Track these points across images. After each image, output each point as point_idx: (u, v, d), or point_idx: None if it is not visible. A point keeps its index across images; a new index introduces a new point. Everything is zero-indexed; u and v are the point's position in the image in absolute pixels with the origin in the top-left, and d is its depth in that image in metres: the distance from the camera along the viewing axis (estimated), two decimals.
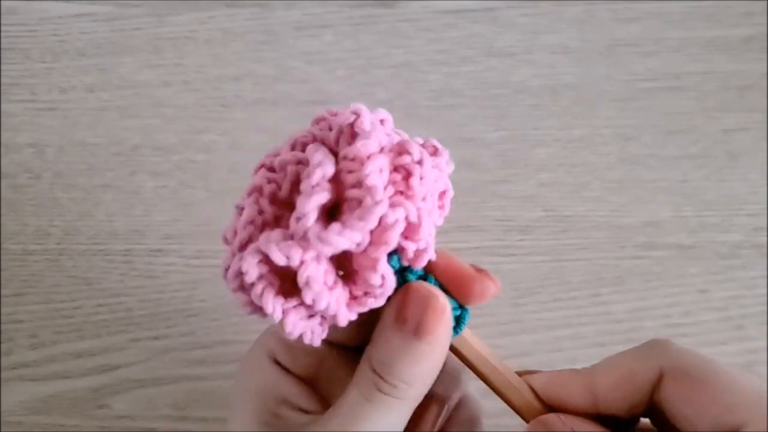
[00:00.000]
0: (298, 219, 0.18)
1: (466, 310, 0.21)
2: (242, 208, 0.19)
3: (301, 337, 0.19)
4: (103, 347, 0.33)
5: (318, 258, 0.18)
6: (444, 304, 0.20)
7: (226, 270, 0.19)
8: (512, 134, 0.36)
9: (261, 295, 0.18)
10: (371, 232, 0.18)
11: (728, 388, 0.20)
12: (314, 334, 0.19)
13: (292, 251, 0.17)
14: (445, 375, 0.24)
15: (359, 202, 0.18)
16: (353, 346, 0.24)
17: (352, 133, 0.19)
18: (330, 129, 0.20)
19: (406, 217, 0.18)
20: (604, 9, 0.38)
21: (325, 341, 0.24)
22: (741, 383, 0.20)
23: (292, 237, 0.18)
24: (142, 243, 0.34)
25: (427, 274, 0.21)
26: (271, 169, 0.19)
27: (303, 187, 0.18)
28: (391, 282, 0.19)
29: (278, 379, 0.23)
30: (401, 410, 0.21)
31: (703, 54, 0.37)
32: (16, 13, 0.39)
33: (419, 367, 0.20)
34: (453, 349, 0.22)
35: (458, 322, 0.21)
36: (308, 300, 0.18)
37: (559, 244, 0.34)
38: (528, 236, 0.34)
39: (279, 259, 0.17)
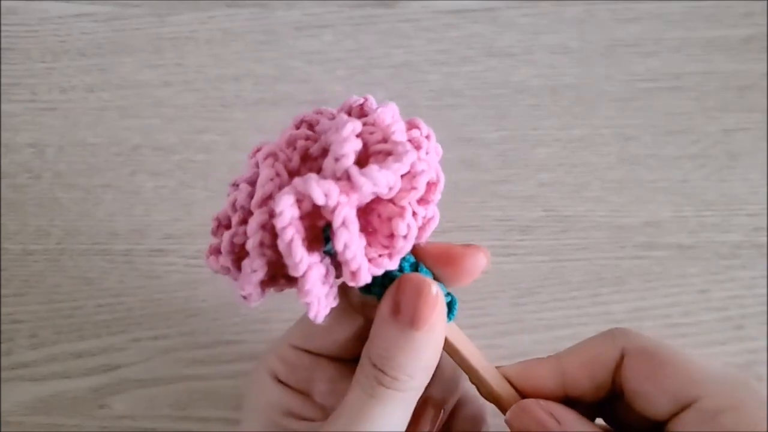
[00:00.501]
0: (337, 159, 0.18)
1: (454, 297, 0.22)
2: (237, 185, 0.19)
3: (308, 307, 0.19)
4: (103, 347, 0.33)
5: (350, 203, 0.17)
6: (437, 291, 0.20)
7: (215, 249, 0.19)
8: (512, 134, 0.36)
9: (290, 241, 0.17)
10: (401, 177, 0.18)
11: (685, 365, 0.21)
12: (320, 306, 0.19)
13: (332, 189, 0.17)
14: (441, 377, 0.24)
15: (388, 153, 0.18)
16: (350, 359, 0.24)
17: (361, 113, 0.20)
18: (333, 117, 0.20)
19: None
20: (604, 9, 0.38)
21: (322, 356, 0.24)
22: (697, 362, 0.22)
23: None
24: (142, 243, 0.34)
25: (418, 263, 0.21)
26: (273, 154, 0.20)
27: (334, 137, 0.18)
28: (413, 234, 0.19)
29: (281, 395, 0.24)
30: (404, 403, 0.21)
31: (703, 54, 0.37)
32: (17, 13, 0.39)
33: (418, 356, 0.20)
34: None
35: (449, 308, 0.21)
36: (340, 245, 0.17)
37: (559, 244, 0.34)
38: (528, 236, 0.34)
39: (318, 197, 0.17)
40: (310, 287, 0.18)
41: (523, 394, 0.23)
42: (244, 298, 0.19)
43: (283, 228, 0.17)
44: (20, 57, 0.38)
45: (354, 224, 0.17)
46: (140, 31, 0.38)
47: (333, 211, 0.17)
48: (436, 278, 0.21)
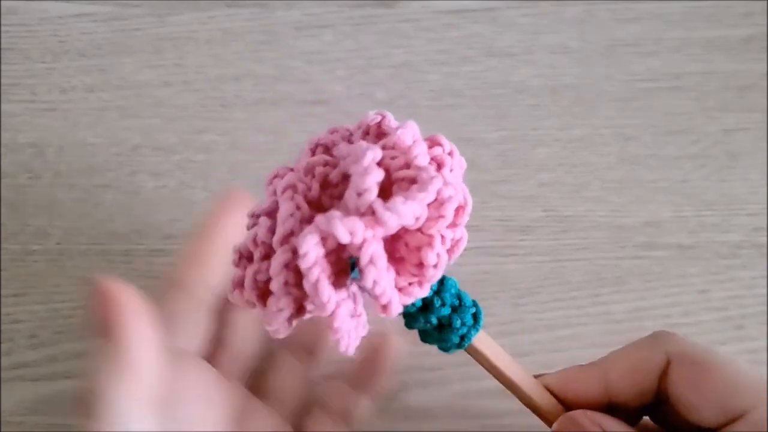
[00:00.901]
0: (360, 194, 0.17)
1: (479, 307, 0.21)
2: (257, 216, 0.19)
3: (338, 343, 0.18)
4: None
5: (376, 237, 0.17)
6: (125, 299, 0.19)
7: (238, 282, 0.19)
8: (512, 134, 0.36)
9: (316, 282, 0.17)
10: (427, 206, 0.17)
11: (733, 374, 0.21)
12: (351, 339, 0.18)
13: (357, 226, 0.16)
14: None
15: (412, 180, 0.18)
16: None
17: (379, 132, 0.19)
18: (350, 136, 0.19)
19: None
20: (604, 9, 0.38)
21: None
22: (744, 370, 0.21)
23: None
24: (142, 243, 0.34)
25: (444, 281, 0.21)
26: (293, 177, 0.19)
27: (354, 169, 0.17)
28: (443, 262, 0.18)
29: None
30: None
31: (703, 54, 0.37)
32: (16, 13, 0.39)
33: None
34: (472, 350, 0.22)
35: (475, 319, 0.21)
36: (369, 282, 0.17)
37: (559, 244, 0.34)
38: (528, 236, 0.34)
39: (343, 236, 0.16)
40: (340, 324, 0.17)
41: (565, 404, 0.23)
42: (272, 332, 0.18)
43: (309, 268, 0.17)
44: (20, 57, 0.38)
45: (382, 259, 0.17)
46: (140, 32, 0.38)
47: (360, 248, 0.17)
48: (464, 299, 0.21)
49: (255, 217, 0.19)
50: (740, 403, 0.20)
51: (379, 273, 0.17)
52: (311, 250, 0.17)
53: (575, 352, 0.32)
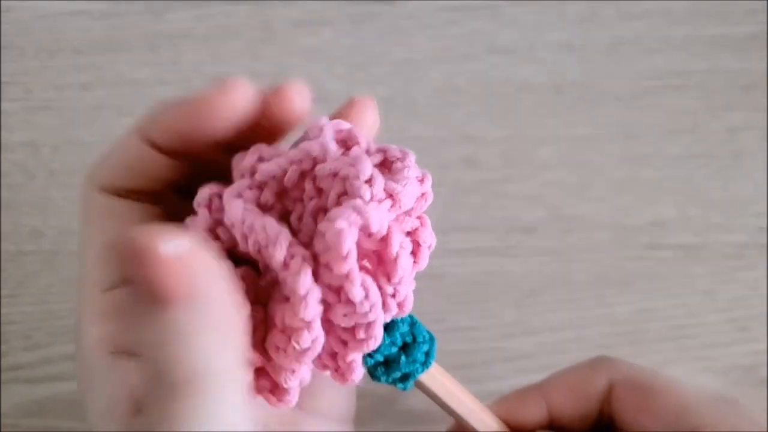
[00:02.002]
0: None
1: (433, 341, 0.20)
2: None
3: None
4: None
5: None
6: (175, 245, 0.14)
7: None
8: (515, 133, 0.36)
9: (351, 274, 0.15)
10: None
11: (678, 394, 0.21)
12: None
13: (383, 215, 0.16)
14: None
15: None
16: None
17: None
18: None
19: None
20: (607, 6, 0.38)
21: None
22: (689, 389, 0.21)
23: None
24: None
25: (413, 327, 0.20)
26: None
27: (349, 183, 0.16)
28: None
29: None
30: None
31: (707, 52, 0.37)
32: (12, 10, 0.38)
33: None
34: (419, 384, 0.21)
35: (426, 356, 0.20)
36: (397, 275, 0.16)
37: (563, 244, 0.33)
38: (531, 237, 0.34)
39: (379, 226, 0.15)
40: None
41: (512, 429, 0.23)
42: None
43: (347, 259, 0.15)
44: (15, 55, 0.38)
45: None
46: (136, 29, 0.38)
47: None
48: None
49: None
50: (690, 422, 0.20)
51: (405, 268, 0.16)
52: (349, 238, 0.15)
53: (579, 353, 0.31)
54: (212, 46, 0.37)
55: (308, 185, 0.17)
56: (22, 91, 0.37)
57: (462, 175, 0.35)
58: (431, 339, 0.20)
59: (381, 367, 0.19)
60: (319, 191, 0.17)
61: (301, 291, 0.15)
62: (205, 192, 0.17)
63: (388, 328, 0.19)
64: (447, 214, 0.34)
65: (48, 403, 0.32)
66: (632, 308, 0.32)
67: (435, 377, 0.20)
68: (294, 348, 0.16)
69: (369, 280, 0.16)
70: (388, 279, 0.16)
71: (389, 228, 0.16)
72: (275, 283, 0.16)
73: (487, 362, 0.27)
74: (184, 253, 0.14)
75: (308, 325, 0.15)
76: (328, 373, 0.17)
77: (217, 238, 0.17)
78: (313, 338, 0.16)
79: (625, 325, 0.32)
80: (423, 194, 0.18)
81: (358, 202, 0.16)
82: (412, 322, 0.20)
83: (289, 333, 0.16)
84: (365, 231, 0.15)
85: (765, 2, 0.37)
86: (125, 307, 0.16)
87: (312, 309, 0.15)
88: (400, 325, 0.19)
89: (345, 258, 0.15)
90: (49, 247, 0.34)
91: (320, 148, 0.17)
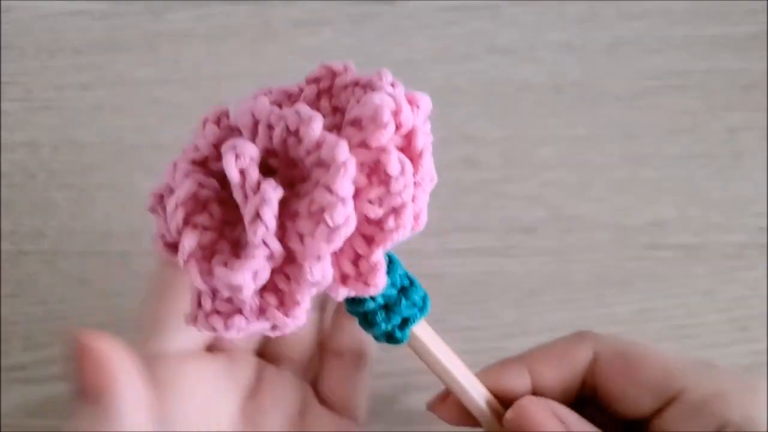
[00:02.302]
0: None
1: (419, 310, 0.20)
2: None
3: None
4: None
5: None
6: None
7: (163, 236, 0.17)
8: (515, 133, 0.36)
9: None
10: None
11: (662, 360, 0.21)
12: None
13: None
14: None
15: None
16: None
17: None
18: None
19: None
20: (607, 6, 0.38)
21: None
22: (673, 355, 0.22)
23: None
24: (138, 244, 0.34)
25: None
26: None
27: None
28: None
29: None
30: None
31: (707, 52, 0.37)
32: (12, 10, 0.38)
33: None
34: (414, 339, 0.21)
35: (424, 300, 0.20)
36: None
37: (563, 244, 0.33)
38: (531, 237, 0.34)
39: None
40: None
41: (498, 397, 0.23)
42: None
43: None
44: (15, 55, 0.38)
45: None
46: (136, 29, 0.38)
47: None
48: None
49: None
50: (674, 385, 0.21)
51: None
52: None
53: None
54: (212, 46, 0.37)
55: (324, 102, 0.17)
56: (22, 91, 0.37)
57: (462, 175, 0.35)
58: (416, 306, 0.20)
59: (381, 311, 0.19)
60: (335, 110, 0.17)
61: (341, 158, 0.15)
62: (217, 109, 0.18)
63: (389, 269, 0.19)
64: (447, 214, 0.34)
65: (48, 403, 0.32)
66: (632, 308, 0.32)
67: (428, 330, 0.20)
68: (326, 225, 0.15)
69: (403, 156, 0.16)
70: (414, 170, 0.16)
71: (415, 124, 0.16)
72: (296, 177, 0.16)
73: (487, 362, 0.27)
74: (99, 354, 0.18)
75: (343, 200, 0.15)
76: (345, 290, 0.17)
77: (220, 156, 0.17)
78: (347, 215, 0.15)
79: (625, 325, 0.32)
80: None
81: (388, 89, 0.16)
82: (406, 271, 0.20)
83: (319, 214, 0.15)
84: (396, 117, 0.16)
85: (765, 2, 0.37)
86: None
87: (349, 178, 0.15)
88: (399, 267, 0.19)
89: (385, 127, 0.16)
90: (49, 247, 0.34)
91: (343, 65, 0.18)
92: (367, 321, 0.19)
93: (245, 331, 0.17)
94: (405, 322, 0.19)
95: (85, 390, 0.17)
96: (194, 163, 0.18)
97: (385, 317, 0.19)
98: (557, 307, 0.32)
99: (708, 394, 0.20)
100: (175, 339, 0.21)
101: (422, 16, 0.38)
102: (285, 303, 0.16)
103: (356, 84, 0.17)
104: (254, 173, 0.16)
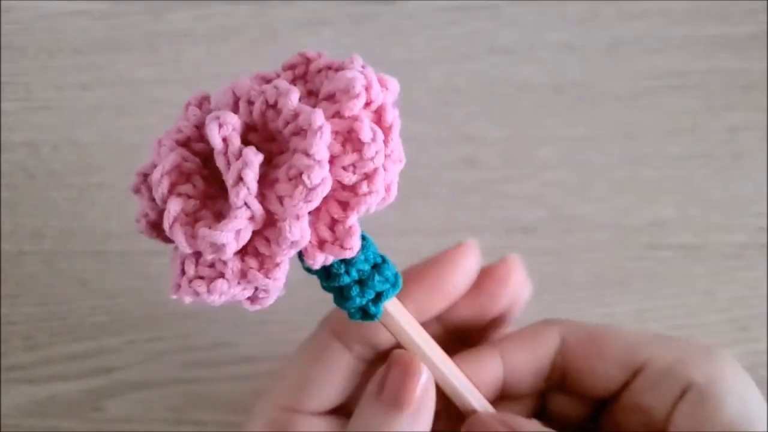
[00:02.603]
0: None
1: (392, 285, 0.20)
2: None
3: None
4: (98, 349, 0.32)
5: None
6: (427, 375, 0.20)
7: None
8: (515, 133, 0.36)
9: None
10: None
11: (627, 335, 0.23)
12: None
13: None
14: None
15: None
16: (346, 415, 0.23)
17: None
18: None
19: None
20: (608, 6, 0.37)
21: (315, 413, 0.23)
22: (637, 331, 0.23)
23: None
24: (137, 244, 0.34)
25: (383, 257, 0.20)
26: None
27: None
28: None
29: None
30: None
31: (707, 52, 0.37)
32: (12, 10, 0.38)
33: None
34: (386, 316, 0.21)
35: (396, 277, 0.20)
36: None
37: (563, 244, 0.33)
38: (531, 236, 0.34)
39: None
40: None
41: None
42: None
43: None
44: (15, 55, 0.38)
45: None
46: (136, 29, 0.38)
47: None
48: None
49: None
50: (639, 357, 0.22)
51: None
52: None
53: None
54: (212, 46, 0.37)
55: (300, 87, 0.19)
56: (22, 91, 0.37)
57: (462, 175, 0.35)
58: (389, 281, 0.20)
59: (356, 286, 0.20)
60: (310, 93, 0.19)
61: (317, 123, 0.16)
62: (198, 94, 0.20)
63: (362, 246, 0.20)
64: (447, 214, 0.34)
65: (48, 403, 0.32)
66: (632, 308, 0.32)
67: (401, 309, 0.21)
68: (304, 186, 0.16)
69: (374, 125, 0.17)
70: (386, 142, 0.18)
71: (385, 101, 0.18)
72: (273, 152, 0.18)
73: None
74: (429, 381, 0.20)
75: (319, 162, 0.16)
76: (323, 255, 0.18)
77: (202, 137, 0.18)
78: (323, 176, 0.16)
79: (625, 325, 0.32)
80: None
81: (359, 69, 0.18)
82: (378, 251, 0.20)
83: (297, 178, 0.16)
84: (367, 91, 0.17)
85: (765, 2, 0.37)
86: (365, 405, 0.21)
87: (325, 142, 0.16)
88: (371, 245, 0.20)
89: (357, 96, 0.17)
90: (49, 247, 0.34)
91: (317, 53, 0.19)
92: (342, 295, 0.20)
93: (227, 295, 0.18)
94: (378, 297, 0.20)
95: (391, 394, 0.20)
96: (177, 142, 0.19)
97: (359, 292, 0.20)
98: (557, 307, 0.32)
99: (671, 360, 0.21)
100: (315, 400, 0.23)
101: (422, 16, 0.38)
102: (265, 265, 0.17)
103: (329, 68, 0.19)
104: (236, 141, 0.17)
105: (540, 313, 0.32)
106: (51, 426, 0.31)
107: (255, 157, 0.17)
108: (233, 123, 0.17)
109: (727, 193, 0.34)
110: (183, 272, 0.18)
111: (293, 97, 0.17)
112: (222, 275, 0.17)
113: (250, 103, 0.18)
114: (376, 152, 0.17)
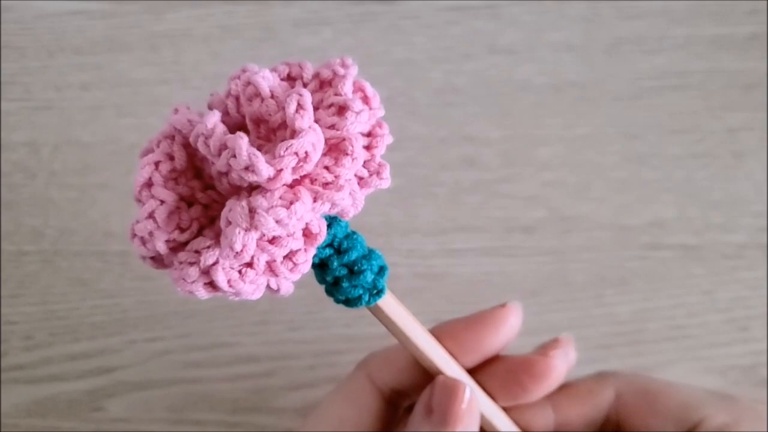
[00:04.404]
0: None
1: (386, 264, 0.21)
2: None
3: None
4: (98, 349, 0.32)
5: None
6: (470, 393, 0.21)
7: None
8: (515, 133, 0.36)
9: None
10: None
11: (680, 393, 0.23)
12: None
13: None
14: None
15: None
16: None
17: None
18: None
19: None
20: (608, 6, 0.37)
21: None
22: (690, 388, 0.24)
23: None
24: None
25: (354, 232, 0.20)
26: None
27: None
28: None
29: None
30: None
31: (707, 52, 0.37)
32: (12, 10, 0.38)
33: None
34: (373, 311, 0.21)
35: (376, 288, 0.20)
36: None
37: (562, 244, 0.33)
38: (530, 236, 0.34)
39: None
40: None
41: None
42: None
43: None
44: (15, 55, 0.38)
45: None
46: (136, 29, 0.38)
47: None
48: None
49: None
50: (694, 415, 0.22)
51: None
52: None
53: (579, 354, 0.31)
54: (212, 46, 0.37)
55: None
56: (22, 91, 0.37)
57: (462, 175, 0.35)
58: (380, 271, 0.21)
59: (363, 260, 0.20)
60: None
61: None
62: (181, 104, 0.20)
63: (348, 235, 0.20)
64: (447, 214, 0.34)
65: (48, 403, 0.32)
66: (632, 308, 0.32)
67: (390, 306, 0.21)
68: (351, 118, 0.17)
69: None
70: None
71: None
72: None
73: None
74: (472, 400, 0.21)
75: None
76: (364, 190, 0.18)
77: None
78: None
79: (625, 325, 0.32)
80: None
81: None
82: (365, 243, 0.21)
83: (341, 111, 0.17)
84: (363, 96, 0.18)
85: (765, 2, 0.37)
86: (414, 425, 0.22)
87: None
88: (359, 238, 0.20)
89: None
90: (49, 247, 0.34)
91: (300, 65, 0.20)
92: (352, 273, 0.20)
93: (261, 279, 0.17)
94: (381, 270, 0.20)
95: (438, 413, 0.21)
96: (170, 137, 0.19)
97: (368, 265, 0.20)
98: (557, 307, 0.32)
99: (725, 421, 0.22)
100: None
101: (422, 16, 0.38)
102: (334, 186, 0.17)
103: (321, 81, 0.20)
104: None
105: (540, 313, 0.32)
106: (51, 426, 0.31)
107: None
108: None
109: (727, 193, 0.34)
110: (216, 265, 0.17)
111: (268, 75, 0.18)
112: (297, 199, 0.17)
113: (237, 98, 0.19)
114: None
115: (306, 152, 0.16)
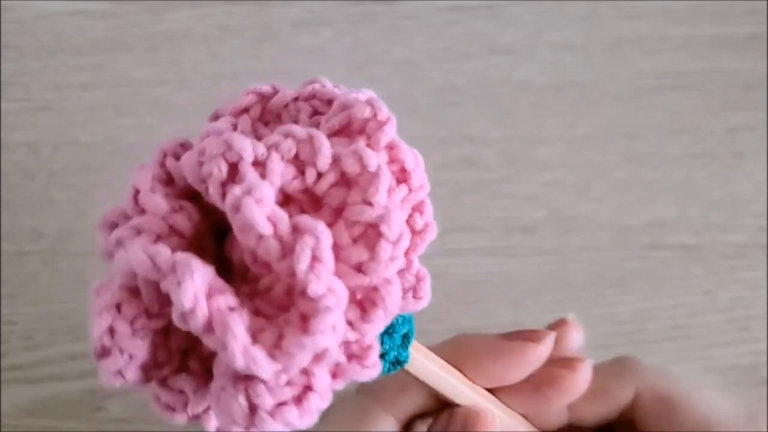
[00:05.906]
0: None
1: (412, 326, 0.19)
2: None
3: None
4: None
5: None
6: (493, 417, 0.21)
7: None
8: (515, 133, 0.36)
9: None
10: None
11: (703, 405, 0.22)
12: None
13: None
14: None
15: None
16: None
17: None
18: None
19: None
20: (608, 6, 0.37)
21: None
22: (711, 401, 0.22)
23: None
24: None
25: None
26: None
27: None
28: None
29: None
30: None
31: (707, 52, 0.37)
32: (12, 10, 0.38)
33: None
34: (407, 371, 0.20)
35: (399, 360, 0.18)
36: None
37: (562, 244, 0.33)
38: (530, 237, 0.34)
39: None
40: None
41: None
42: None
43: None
44: (15, 55, 0.38)
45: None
46: (136, 29, 0.38)
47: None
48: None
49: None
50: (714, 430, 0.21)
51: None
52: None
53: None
54: (212, 46, 0.37)
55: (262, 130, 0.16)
56: (22, 91, 0.37)
57: (462, 175, 0.35)
58: (411, 321, 0.19)
59: (383, 335, 0.18)
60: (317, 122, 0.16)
61: (372, 164, 0.13)
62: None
63: None
64: (447, 214, 0.34)
65: (48, 403, 0.32)
66: (632, 308, 0.32)
67: (423, 349, 0.20)
68: (385, 240, 0.13)
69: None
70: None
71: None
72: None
73: None
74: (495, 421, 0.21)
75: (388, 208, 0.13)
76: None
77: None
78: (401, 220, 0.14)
79: (625, 325, 0.32)
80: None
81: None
82: None
83: (371, 230, 0.13)
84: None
85: (765, 2, 0.37)
86: None
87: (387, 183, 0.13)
88: None
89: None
90: (49, 247, 0.34)
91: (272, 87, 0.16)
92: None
93: (321, 409, 0.13)
94: (405, 338, 0.19)
95: None
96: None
97: (388, 340, 0.18)
98: (557, 307, 0.32)
99: None
100: None
101: (422, 16, 0.38)
102: (359, 352, 0.14)
103: (341, 108, 0.16)
104: (285, 220, 0.13)
105: (539, 313, 0.32)
106: (51, 426, 0.31)
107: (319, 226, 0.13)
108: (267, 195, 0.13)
109: (727, 193, 0.34)
110: (251, 404, 0.13)
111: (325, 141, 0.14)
112: (310, 387, 0.13)
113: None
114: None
115: (325, 349, 0.12)
